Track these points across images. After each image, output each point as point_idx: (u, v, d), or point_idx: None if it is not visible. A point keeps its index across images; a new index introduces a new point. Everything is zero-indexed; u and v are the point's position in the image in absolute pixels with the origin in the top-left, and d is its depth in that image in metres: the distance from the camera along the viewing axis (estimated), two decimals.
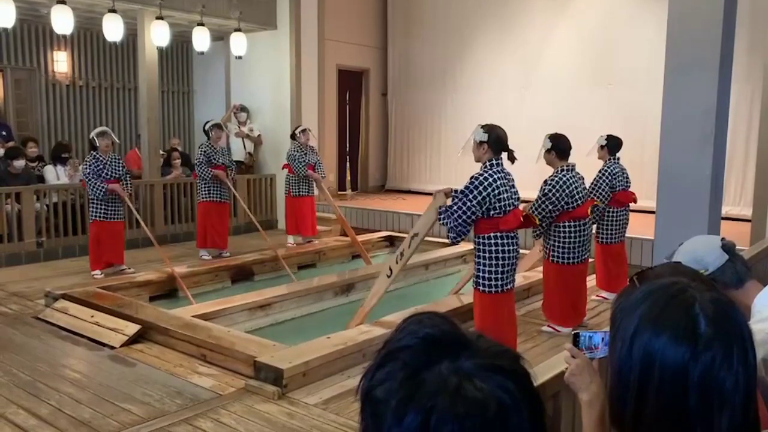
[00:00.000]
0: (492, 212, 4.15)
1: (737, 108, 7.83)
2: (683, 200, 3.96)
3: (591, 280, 6.12)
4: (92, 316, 5.25)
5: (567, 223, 5.06)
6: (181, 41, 10.94)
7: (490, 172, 4.17)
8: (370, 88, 12.28)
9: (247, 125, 10.52)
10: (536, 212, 4.98)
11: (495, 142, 4.22)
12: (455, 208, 4.13)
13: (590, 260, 5.44)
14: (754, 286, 1.91)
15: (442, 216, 4.21)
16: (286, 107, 10.27)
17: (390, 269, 4.91)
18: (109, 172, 6.85)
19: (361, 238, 8.47)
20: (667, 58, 3.98)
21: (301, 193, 8.34)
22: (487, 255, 4.19)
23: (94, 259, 6.92)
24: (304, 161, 8.23)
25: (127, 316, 5.14)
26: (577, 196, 5.06)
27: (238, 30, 9.51)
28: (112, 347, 4.80)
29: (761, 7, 8.01)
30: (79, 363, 4.67)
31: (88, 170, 6.80)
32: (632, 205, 6.24)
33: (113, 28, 8.04)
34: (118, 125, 11.15)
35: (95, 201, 6.83)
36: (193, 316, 5.16)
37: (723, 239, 1.96)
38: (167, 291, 6.40)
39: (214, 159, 7.74)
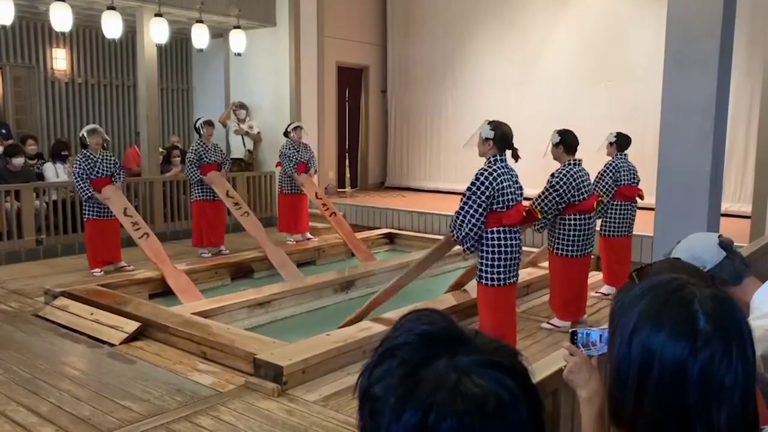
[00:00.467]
0: (495, 207, 4.20)
1: (737, 103, 7.83)
2: (682, 197, 3.96)
3: (594, 276, 6.13)
4: (92, 314, 5.25)
5: (571, 216, 5.14)
6: (180, 38, 10.93)
7: (494, 167, 4.23)
8: (369, 85, 12.27)
9: (246, 122, 10.52)
10: (542, 204, 5.05)
11: (500, 139, 4.28)
12: (466, 208, 4.17)
13: (593, 256, 5.51)
14: (753, 282, 1.91)
15: (454, 233, 4.25)
16: (286, 104, 10.27)
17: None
18: (100, 170, 6.81)
19: (361, 235, 8.46)
20: (666, 53, 3.98)
21: (293, 190, 8.34)
22: (489, 249, 4.25)
23: (92, 257, 6.91)
24: (295, 159, 8.24)
25: (127, 314, 5.14)
26: (583, 190, 5.14)
27: (237, 27, 9.51)
28: (112, 345, 4.80)
29: (761, 2, 8.00)
30: (79, 360, 4.68)
31: (77, 170, 6.75)
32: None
33: (112, 26, 8.04)
34: (117, 123, 11.15)
35: (86, 200, 6.83)
36: (193, 314, 5.17)
37: (721, 236, 1.96)
38: (167, 288, 6.40)
39: (206, 157, 7.65)
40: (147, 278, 6.36)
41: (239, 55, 9.68)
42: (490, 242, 4.25)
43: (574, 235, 5.14)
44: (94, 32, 10.24)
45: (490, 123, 4.33)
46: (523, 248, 4.67)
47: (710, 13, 3.79)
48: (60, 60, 10.41)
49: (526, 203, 4.64)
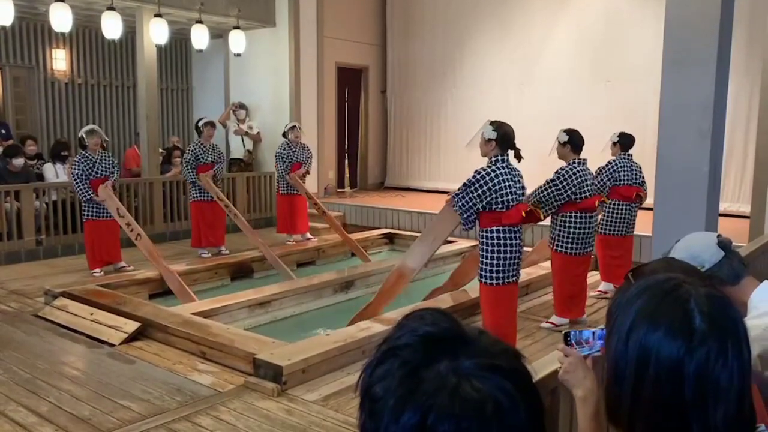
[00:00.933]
0: (495, 206, 4.23)
1: (736, 103, 7.84)
2: (681, 196, 3.95)
3: (593, 276, 6.14)
4: (92, 314, 5.26)
5: (573, 214, 5.17)
6: (180, 39, 10.93)
7: (494, 168, 4.26)
8: (369, 85, 12.27)
9: (246, 123, 10.52)
10: (537, 196, 5.08)
11: (503, 139, 4.32)
12: (460, 196, 4.27)
13: (593, 256, 5.55)
14: (751, 282, 1.91)
15: (454, 202, 4.32)
16: (285, 105, 10.28)
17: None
18: (99, 171, 6.82)
19: (360, 235, 8.47)
20: (665, 53, 3.97)
21: (290, 191, 8.34)
22: (490, 248, 4.30)
23: (91, 258, 6.91)
24: (290, 160, 8.24)
25: (127, 314, 5.14)
26: (585, 188, 5.18)
27: (236, 28, 9.51)
28: (112, 345, 4.81)
29: (760, 2, 7.99)
30: (79, 360, 4.68)
31: (76, 171, 6.76)
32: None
33: (112, 26, 8.04)
34: (117, 123, 11.16)
35: (86, 201, 6.83)
36: (193, 314, 5.17)
37: (719, 236, 1.96)
38: (167, 289, 6.40)
39: (203, 158, 7.62)
40: (146, 278, 6.37)
41: (239, 55, 9.69)
42: (490, 242, 4.30)
43: (575, 233, 5.18)
44: (94, 33, 10.25)
45: (492, 123, 4.36)
46: (524, 249, 4.69)
47: (709, 12, 3.78)
48: (60, 60, 10.42)
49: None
